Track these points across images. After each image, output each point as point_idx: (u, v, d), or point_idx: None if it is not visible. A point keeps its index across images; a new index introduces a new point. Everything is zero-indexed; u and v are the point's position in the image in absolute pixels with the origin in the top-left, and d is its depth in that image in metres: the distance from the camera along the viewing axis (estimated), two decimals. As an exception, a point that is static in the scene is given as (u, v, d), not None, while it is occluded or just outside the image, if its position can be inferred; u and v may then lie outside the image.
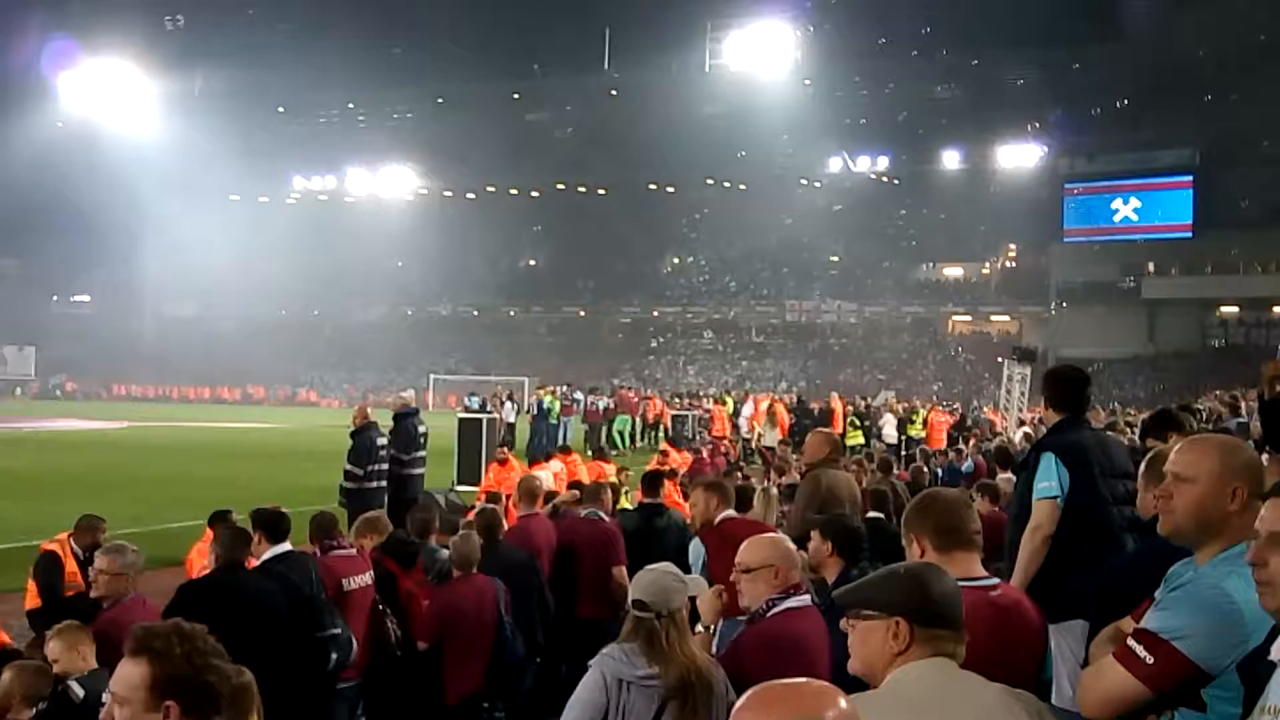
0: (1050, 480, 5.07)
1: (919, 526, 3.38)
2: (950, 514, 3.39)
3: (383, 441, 13.47)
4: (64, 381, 70.81)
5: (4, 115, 66.78)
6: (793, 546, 4.52)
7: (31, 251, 74.95)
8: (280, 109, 77.80)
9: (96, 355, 72.35)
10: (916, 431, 27.11)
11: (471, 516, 8.60)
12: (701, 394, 41.78)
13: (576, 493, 10.27)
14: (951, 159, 70.96)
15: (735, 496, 7.08)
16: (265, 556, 6.59)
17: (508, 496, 11.03)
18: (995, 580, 3.43)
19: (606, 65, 71.62)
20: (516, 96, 76.34)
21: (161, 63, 70.40)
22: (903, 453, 24.43)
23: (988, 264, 72.51)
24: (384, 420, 14.33)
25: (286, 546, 6.67)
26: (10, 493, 18.64)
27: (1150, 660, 2.59)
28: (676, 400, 36.38)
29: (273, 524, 6.73)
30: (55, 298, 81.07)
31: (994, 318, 69.99)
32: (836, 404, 29.19)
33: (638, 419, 32.22)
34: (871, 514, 8.05)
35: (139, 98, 72.28)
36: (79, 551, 8.39)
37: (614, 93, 72.99)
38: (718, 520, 6.58)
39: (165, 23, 66.27)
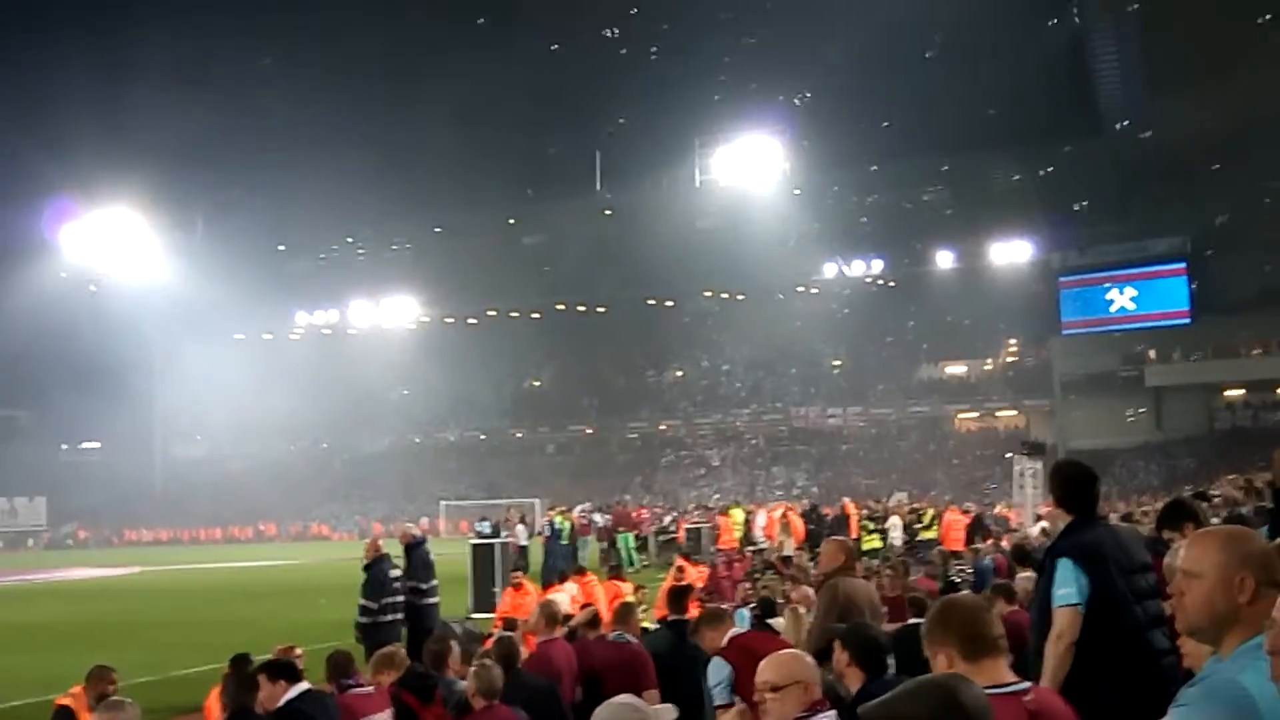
0: (1069, 586, 4.99)
1: (942, 637, 3.33)
2: (974, 621, 3.35)
3: (396, 573, 13.40)
4: (75, 530, 70.60)
5: (8, 270, 67.78)
6: (813, 661, 4.48)
7: (39, 401, 75.27)
8: (281, 247, 79.05)
9: (107, 502, 72.25)
10: (930, 534, 26.75)
11: (489, 645, 8.51)
12: (711, 506, 41.57)
13: (593, 609, 10.14)
14: (945, 259, 71.64)
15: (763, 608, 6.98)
16: (287, 697, 6.54)
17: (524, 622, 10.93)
18: (1027, 684, 3.39)
19: (599, 186, 73.02)
20: (512, 221, 77.53)
21: (162, 208, 71.83)
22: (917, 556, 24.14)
23: (990, 360, 72.65)
24: (394, 552, 14.26)
25: (306, 685, 6.62)
26: (23, 646, 18.46)
27: None
28: (685, 514, 36.17)
29: (286, 667, 6.70)
30: (64, 446, 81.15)
31: (1000, 413, 69.90)
32: (850, 509, 28.99)
33: (635, 535, 32.13)
34: (913, 620, 7.89)
35: (140, 244, 73.53)
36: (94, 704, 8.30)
37: (608, 212, 74.14)
38: (732, 637, 6.47)
39: (169, 169, 67.45)
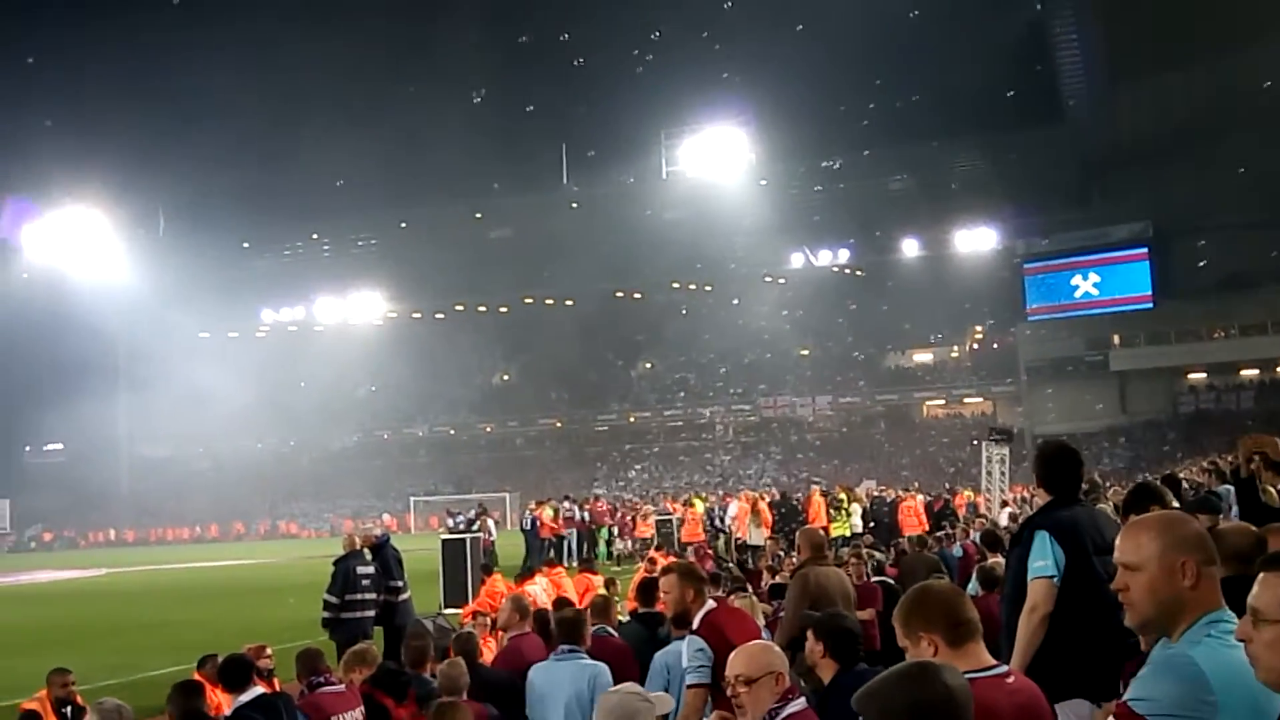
0: (1046, 559, 5.04)
1: (924, 624, 3.32)
2: (955, 607, 3.36)
3: (365, 570, 13.30)
4: (40, 532, 69.82)
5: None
6: (780, 650, 4.45)
7: (2, 403, 74.34)
8: (245, 244, 78.43)
9: (72, 503, 71.47)
10: (842, 528, 26.22)
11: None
12: (677, 498, 41.56)
13: (604, 597, 9.99)
14: (911, 248, 72.09)
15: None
16: (239, 702, 6.45)
17: (491, 617, 10.86)
18: (1006, 667, 3.40)
19: (565, 179, 72.84)
20: (479, 216, 77.32)
21: (123, 207, 71.09)
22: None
23: (956, 347, 73.22)
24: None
25: (257, 691, 6.53)
26: (-13, 651, 18.22)
27: None
28: (652, 506, 36.16)
29: (229, 673, 6.59)
30: (28, 448, 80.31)
31: (967, 400, 70.47)
32: (816, 498, 29.06)
33: (610, 528, 32.25)
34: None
35: (102, 243, 72.75)
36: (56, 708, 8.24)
37: (574, 205, 74.07)
38: (705, 614, 6.34)
39: (129, 167, 66.72)
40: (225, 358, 72.56)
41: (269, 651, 9.61)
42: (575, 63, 66.61)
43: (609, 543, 31.88)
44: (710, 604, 6.23)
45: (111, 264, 72.07)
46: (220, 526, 68.80)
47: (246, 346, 78.38)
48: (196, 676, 8.39)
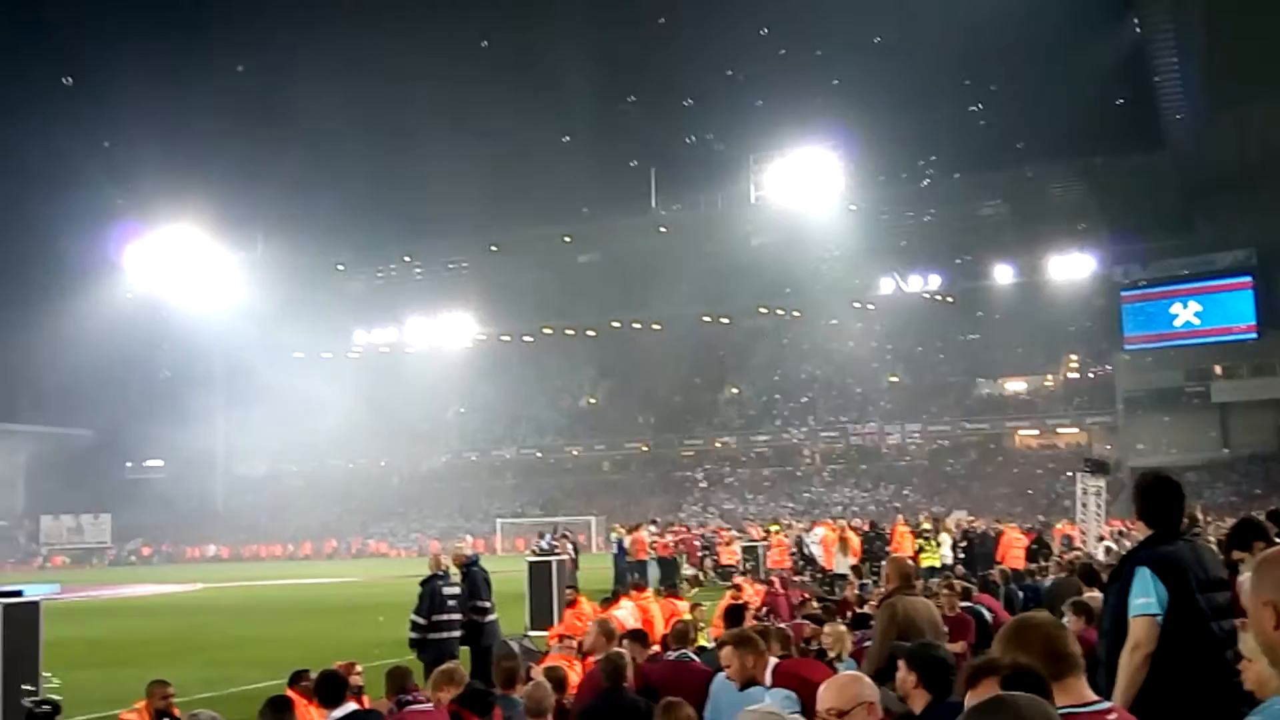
0: (1148, 596, 4.88)
1: (1023, 657, 3.26)
2: (1054, 640, 3.28)
3: (450, 591, 13.42)
4: (139, 546, 71.79)
5: (76, 292, 69.23)
6: (871, 681, 4.39)
7: (104, 421, 76.65)
8: (340, 266, 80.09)
9: (170, 519, 73.40)
10: (932, 559, 25.63)
11: (545, 663, 8.45)
12: (762, 524, 41.23)
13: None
14: (1004, 274, 70.94)
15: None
16: (334, 717, 6.53)
17: (578, 640, 10.87)
18: (1109, 704, 3.31)
19: (653, 204, 73.09)
20: (567, 239, 77.88)
21: (223, 228, 73.09)
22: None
23: (1050, 376, 71.66)
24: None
25: (352, 707, 6.60)
26: (88, 662, 18.68)
27: None
28: (737, 532, 35.92)
29: (326, 688, 6.68)
30: (129, 464, 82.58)
31: (1061, 430, 68.91)
32: (902, 527, 28.66)
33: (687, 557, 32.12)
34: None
35: (202, 263, 74.82)
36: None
37: (662, 230, 74.22)
38: (775, 667, 6.29)
39: (230, 189, 68.58)
40: (319, 378, 74.03)
41: (359, 669, 9.72)
42: (664, 86, 66.85)
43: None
44: (774, 660, 6.20)
45: (211, 284, 74.08)
46: (313, 544, 69.94)
47: (339, 367, 79.82)
48: (288, 692, 8.52)
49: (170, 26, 66.02)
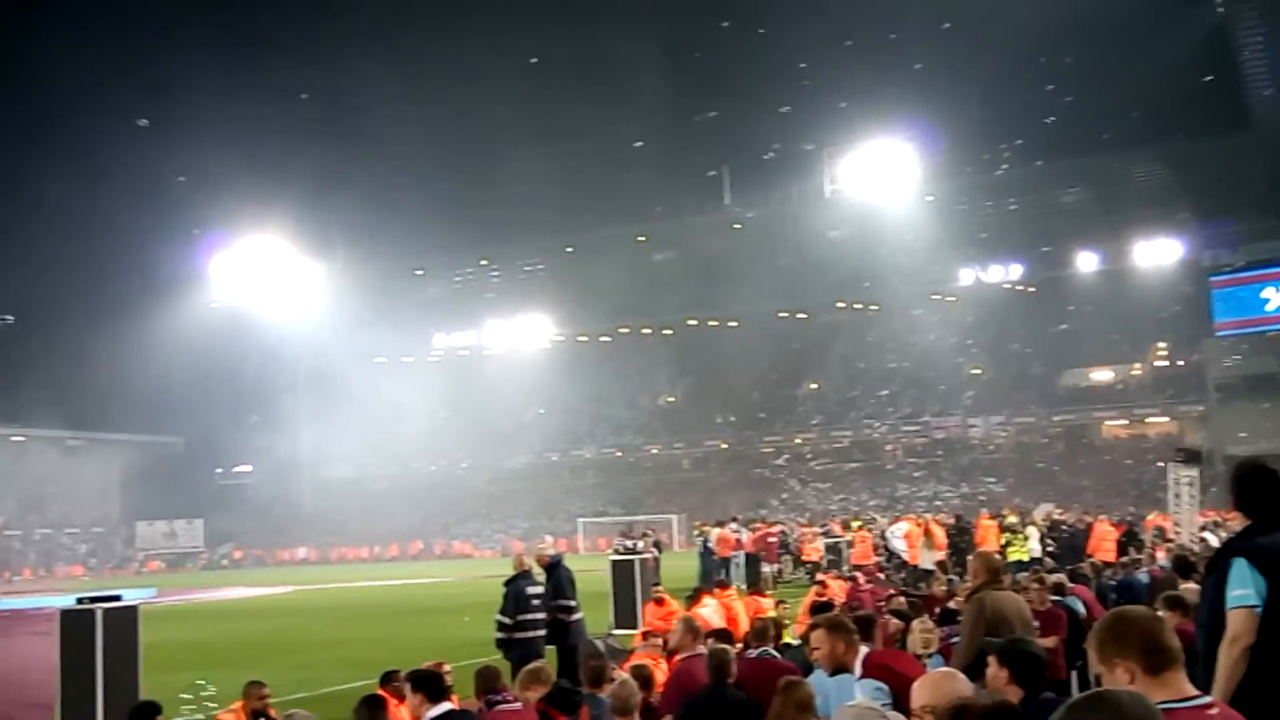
0: (1246, 588, 4.75)
1: (1120, 651, 3.19)
2: (1153, 634, 3.21)
3: (534, 590, 13.51)
4: (231, 551, 73.41)
5: (165, 303, 71.01)
6: (964, 676, 4.34)
7: (194, 429, 78.45)
8: (418, 271, 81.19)
9: (260, 523, 74.98)
10: (1019, 553, 25.16)
11: (632, 661, 8.47)
12: (844, 520, 40.92)
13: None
14: (1088, 262, 69.62)
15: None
16: (430, 716, 6.61)
17: (663, 637, 10.86)
18: (1210, 698, 3.23)
19: (727, 200, 72.91)
20: (642, 239, 78.00)
21: (304, 236, 74.48)
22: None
23: (1138, 365, 70.07)
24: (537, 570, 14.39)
25: (448, 706, 6.67)
26: (185, 664, 19.14)
27: None
28: (819, 528, 35.73)
29: (429, 684, 6.76)
30: (219, 470, 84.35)
31: (1150, 419, 67.34)
32: (986, 521, 28.26)
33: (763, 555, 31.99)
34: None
35: (285, 271, 76.29)
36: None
37: (737, 226, 74.00)
38: (866, 657, 6.21)
39: (310, 197, 69.89)
40: (400, 382, 75.01)
41: (447, 668, 9.83)
42: (736, 83, 66.60)
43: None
44: (865, 649, 6.13)
45: (293, 292, 75.51)
46: (399, 546, 70.85)
47: (420, 371, 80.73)
48: (380, 692, 8.65)
49: (248, 47, 67.31)
